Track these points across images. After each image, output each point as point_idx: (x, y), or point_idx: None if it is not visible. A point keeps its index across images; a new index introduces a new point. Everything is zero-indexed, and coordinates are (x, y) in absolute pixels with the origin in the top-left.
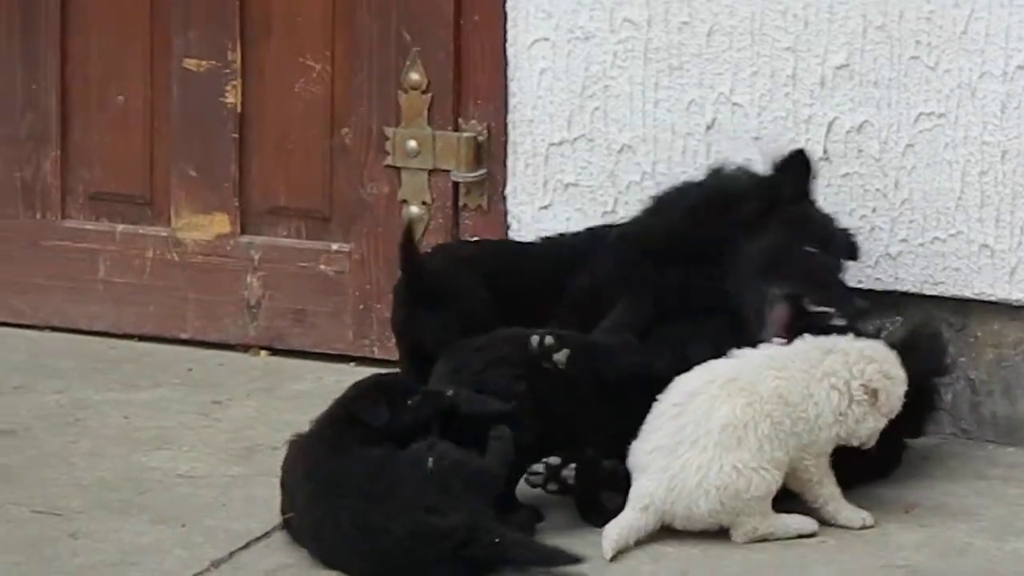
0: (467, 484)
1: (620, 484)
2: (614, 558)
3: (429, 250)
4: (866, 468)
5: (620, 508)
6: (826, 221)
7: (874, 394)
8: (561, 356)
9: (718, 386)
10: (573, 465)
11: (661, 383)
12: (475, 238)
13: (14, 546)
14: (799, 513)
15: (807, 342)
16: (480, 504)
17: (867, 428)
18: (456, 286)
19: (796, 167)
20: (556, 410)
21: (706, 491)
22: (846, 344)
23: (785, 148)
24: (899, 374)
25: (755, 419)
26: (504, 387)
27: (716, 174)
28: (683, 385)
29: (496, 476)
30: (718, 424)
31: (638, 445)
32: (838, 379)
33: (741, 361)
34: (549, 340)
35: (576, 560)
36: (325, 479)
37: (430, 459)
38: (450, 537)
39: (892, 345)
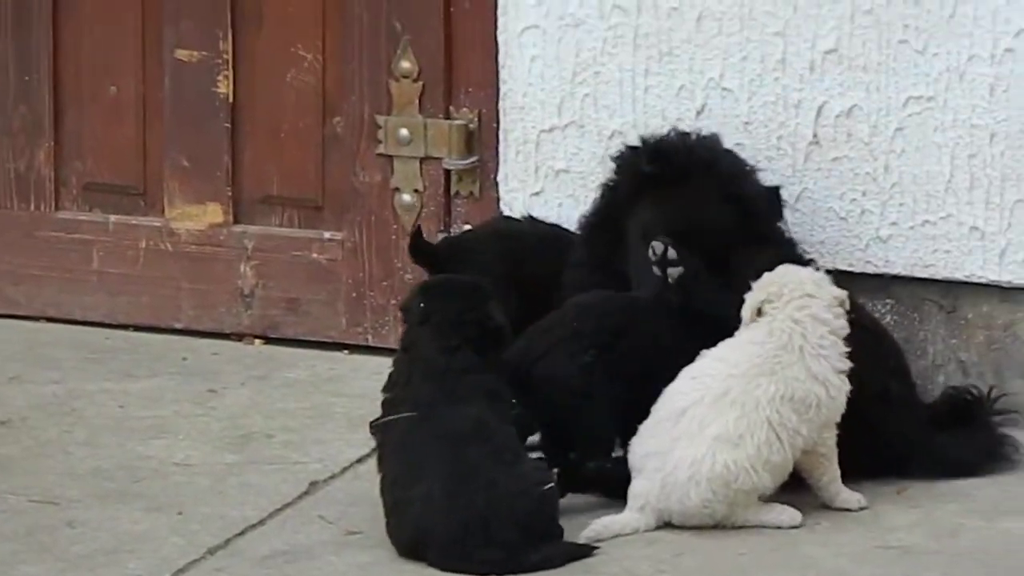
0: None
1: (607, 485)
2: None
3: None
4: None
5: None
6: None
7: (843, 302)
8: (675, 272)
9: (707, 404)
10: (555, 470)
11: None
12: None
13: (11, 535)
14: (783, 503)
15: (766, 320)
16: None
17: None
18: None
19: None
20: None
21: (697, 482)
22: (789, 313)
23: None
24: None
25: (750, 428)
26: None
27: None
28: (673, 401)
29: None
30: (711, 436)
31: (635, 448)
32: (825, 338)
33: (726, 368)
34: (672, 254)
35: (590, 551)
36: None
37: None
38: (489, 560)
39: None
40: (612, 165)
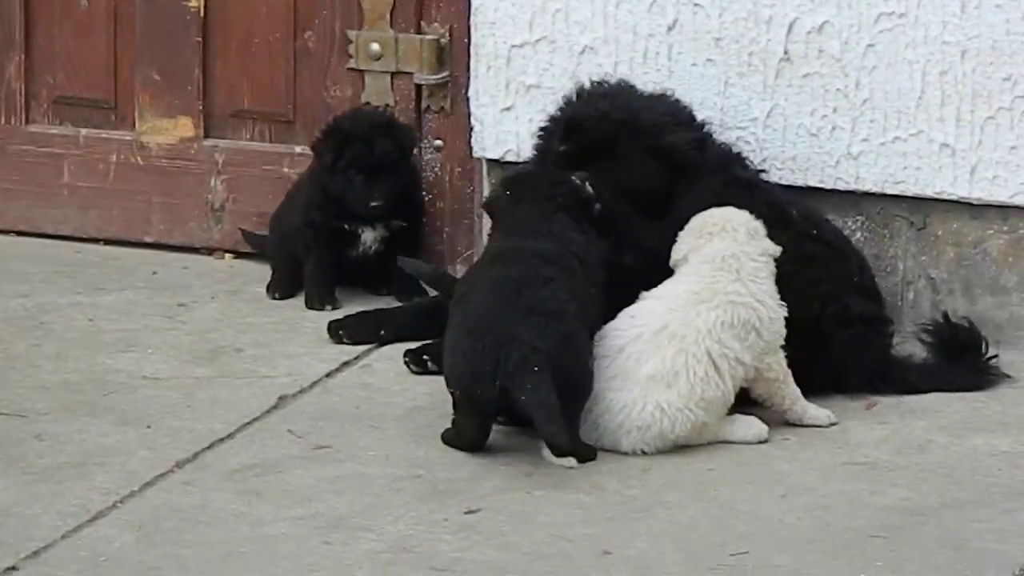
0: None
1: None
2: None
3: None
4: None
5: None
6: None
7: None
8: (596, 208)
9: (645, 340)
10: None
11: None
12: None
13: None
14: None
15: (696, 259)
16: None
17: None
18: None
19: None
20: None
21: (627, 431)
22: (723, 244)
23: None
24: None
25: (687, 364)
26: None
27: None
28: (611, 339)
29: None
30: (645, 375)
31: None
32: (760, 270)
33: (664, 304)
34: (589, 190)
35: (594, 454)
36: None
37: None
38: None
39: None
40: (535, 142)
